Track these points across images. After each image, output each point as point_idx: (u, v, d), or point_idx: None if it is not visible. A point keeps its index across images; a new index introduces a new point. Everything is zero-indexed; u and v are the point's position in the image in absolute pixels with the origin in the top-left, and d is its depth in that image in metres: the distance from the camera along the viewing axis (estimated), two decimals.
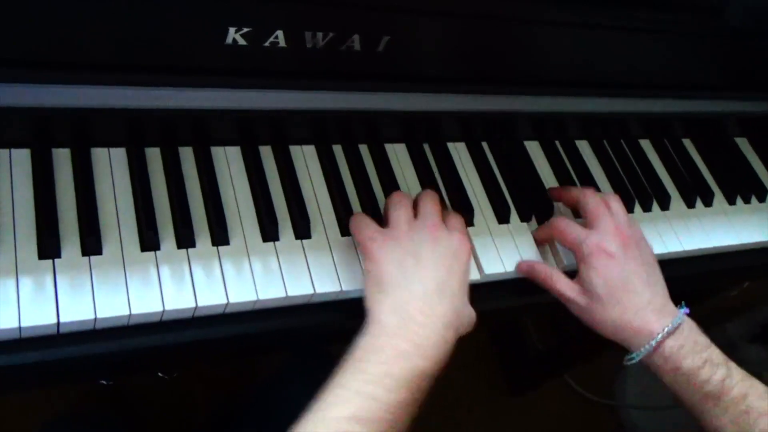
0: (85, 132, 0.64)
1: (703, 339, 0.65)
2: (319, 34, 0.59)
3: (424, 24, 0.62)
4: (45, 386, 0.59)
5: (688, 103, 0.88)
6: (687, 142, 0.96)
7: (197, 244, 0.63)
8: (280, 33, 0.58)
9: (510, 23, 0.66)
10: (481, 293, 0.68)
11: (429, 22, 0.62)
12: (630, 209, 0.84)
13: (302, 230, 0.67)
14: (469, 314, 0.61)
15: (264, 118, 0.68)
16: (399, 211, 0.64)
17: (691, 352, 0.63)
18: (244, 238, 0.65)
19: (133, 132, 0.65)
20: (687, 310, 0.66)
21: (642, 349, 0.65)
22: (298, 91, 0.65)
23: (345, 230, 0.69)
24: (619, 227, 0.68)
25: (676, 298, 0.68)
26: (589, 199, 0.71)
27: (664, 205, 0.86)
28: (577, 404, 1.61)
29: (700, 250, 0.84)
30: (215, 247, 0.63)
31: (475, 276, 0.70)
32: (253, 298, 0.62)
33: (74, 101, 0.58)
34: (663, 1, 0.67)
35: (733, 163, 0.97)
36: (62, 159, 0.64)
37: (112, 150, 0.66)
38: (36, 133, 0.62)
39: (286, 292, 0.63)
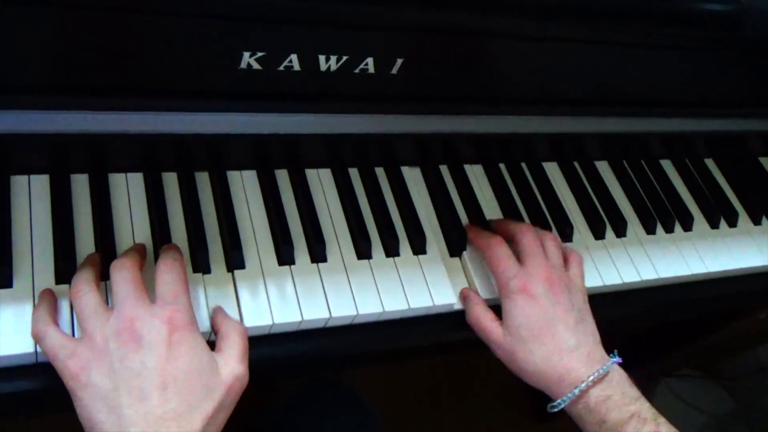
0: (101, 157, 0.64)
1: (632, 391, 0.61)
2: (333, 58, 0.59)
3: (437, 45, 0.62)
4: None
5: (710, 122, 0.86)
6: (709, 162, 0.95)
7: (212, 268, 0.63)
8: (294, 57, 0.58)
9: (526, 42, 0.65)
10: None
11: (443, 43, 0.62)
12: (651, 231, 0.83)
13: (318, 254, 0.67)
14: (218, 403, 0.51)
15: (279, 141, 0.68)
16: (80, 307, 0.52)
17: (618, 404, 0.59)
18: (260, 261, 0.65)
19: (149, 157, 0.66)
20: (619, 360, 0.63)
21: (565, 397, 0.61)
22: (312, 114, 0.65)
23: (361, 254, 0.68)
24: (549, 270, 0.65)
25: (700, 321, 0.66)
26: (525, 236, 0.68)
27: (687, 226, 0.85)
28: None
29: (725, 271, 0.82)
30: (230, 271, 0.63)
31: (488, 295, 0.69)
32: (269, 322, 0.61)
33: (90, 127, 0.58)
34: (681, 17, 0.67)
35: (758, 182, 0.95)
36: (80, 184, 0.64)
37: (130, 175, 0.66)
38: (53, 159, 0.63)
39: (301, 316, 0.62)
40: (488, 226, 0.74)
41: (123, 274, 0.53)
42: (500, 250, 0.67)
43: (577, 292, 0.67)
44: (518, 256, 0.67)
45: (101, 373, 0.48)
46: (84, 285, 0.53)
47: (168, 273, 0.54)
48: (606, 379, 0.61)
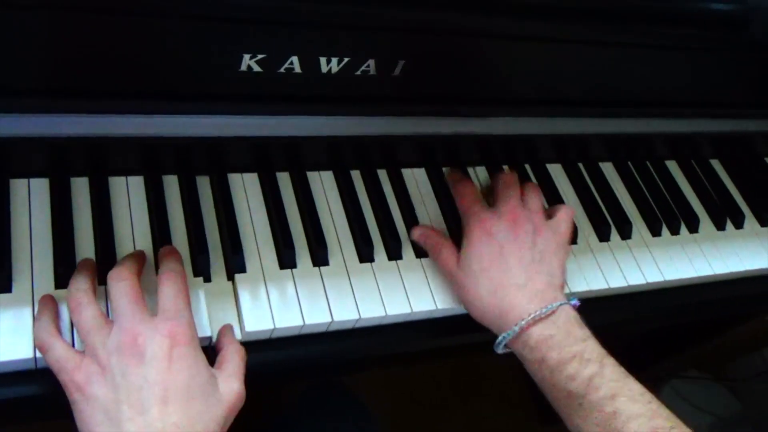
0: (101, 161, 0.64)
1: (581, 332, 0.59)
2: (334, 60, 0.59)
3: (439, 46, 0.62)
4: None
5: (715, 123, 0.86)
6: (715, 163, 0.94)
7: (213, 273, 0.63)
8: (294, 59, 0.58)
9: (529, 43, 0.65)
10: None
11: (445, 45, 0.62)
12: (657, 232, 0.82)
13: (320, 257, 0.66)
14: (218, 417, 0.51)
15: (280, 144, 0.68)
16: (79, 322, 0.52)
17: (560, 344, 0.57)
18: (261, 265, 0.64)
19: (149, 160, 0.65)
20: (576, 303, 0.62)
21: (506, 333, 0.59)
22: (314, 116, 0.65)
23: (363, 257, 0.68)
24: (515, 212, 0.65)
25: (710, 323, 0.65)
26: (501, 182, 0.69)
27: (693, 228, 0.84)
28: None
29: (731, 273, 0.81)
30: (231, 275, 0.63)
31: None
32: (270, 326, 0.61)
33: (90, 130, 0.58)
34: (686, 17, 0.66)
35: (764, 183, 0.94)
36: (80, 188, 0.64)
37: (130, 178, 0.66)
38: (53, 162, 0.62)
39: (303, 320, 0.62)
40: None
41: (121, 286, 0.52)
42: (466, 189, 0.69)
43: (548, 234, 0.66)
44: (493, 202, 0.68)
45: (104, 387, 0.49)
46: (82, 297, 0.53)
47: (170, 286, 0.54)
48: (551, 318, 0.59)
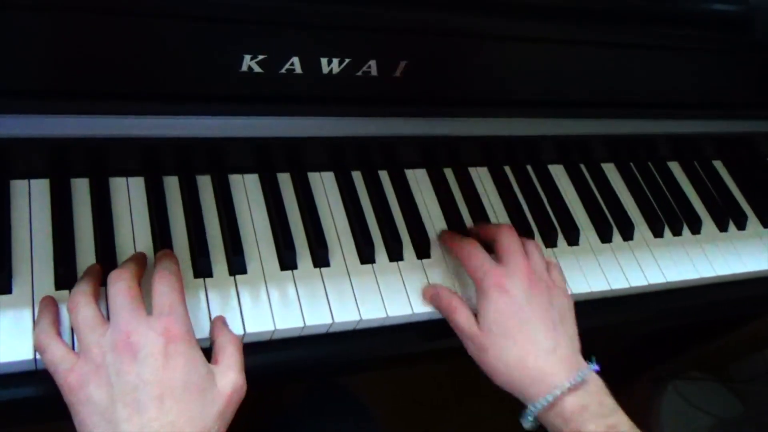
0: (102, 162, 0.64)
1: (610, 401, 0.58)
2: (335, 60, 0.58)
3: (441, 47, 0.61)
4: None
5: (718, 124, 0.85)
6: (717, 164, 0.94)
7: (214, 273, 0.62)
8: (295, 59, 0.57)
9: (531, 44, 0.65)
10: None
11: (446, 45, 0.61)
12: (659, 234, 0.82)
13: (321, 259, 0.66)
14: (217, 413, 0.50)
15: (281, 145, 0.68)
16: (76, 321, 0.51)
17: (595, 415, 0.55)
18: (262, 266, 0.64)
19: (150, 161, 0.65)
20: (596, 368, 0.59)
21: (537, 403, 0.57)
22: (315, 117, 0.64)
23: (364, 258, 0.68)
24: (528, 269, 0.62)
25: (712, 324, 0.65)
26: (505, 235, 0.65)
27: (695, 229, 0.84)
28: None
29: (734, 275, 0.81)
30: (232, 276, 0.63)
31: None
32: (271, 328, 0.61)
33: (91, 131, 0.58)
34: (689, 18, 0.66)
35: (767, 184, 0.94)
36: (81, 188, 0.64)
37: (130, 179, 0.66)
38: (53, 163, 0.62)
39: (304, 321, 0.62)
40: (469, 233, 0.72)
41: (119, 285, 0.52)
42: (472, 248, 0.65)
43: (560, 293, 0.64)
44: (498, 257, 0.64)
45: (98, 388, 0.48)
46: (81, 297, 0.52)
47: (163, 284, 0.53)
48: (584, 387, 0.57)
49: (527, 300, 0.60)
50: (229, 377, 0.52)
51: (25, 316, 0.55)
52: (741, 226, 0.87)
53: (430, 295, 0.66)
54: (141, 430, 0.46)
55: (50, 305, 0.55)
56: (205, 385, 0.50)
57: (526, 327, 0.59)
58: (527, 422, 0.59)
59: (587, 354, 0.61)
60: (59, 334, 0.53)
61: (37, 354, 0.53)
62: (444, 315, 0.64)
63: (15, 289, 0.56)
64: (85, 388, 0.48)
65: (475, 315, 0.62)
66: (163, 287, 0.53)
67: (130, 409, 0.47)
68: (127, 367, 0.48)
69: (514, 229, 0.67)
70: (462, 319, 0.62)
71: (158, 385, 0.48)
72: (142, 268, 0.58)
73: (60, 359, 0.50)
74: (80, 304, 0.52)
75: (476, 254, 0.64)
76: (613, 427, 0.56)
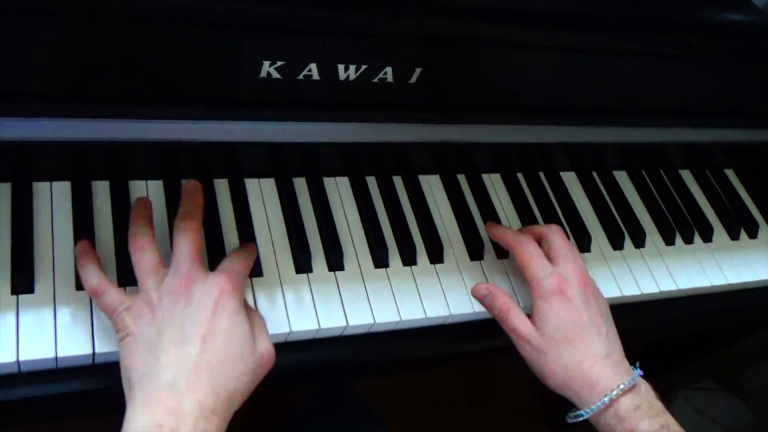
0: (122, 165, 0.65)
1: (658, 403, 0.61)
2: (352, 67, 0.59)
3: (456, 55, 0.62)
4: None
5: (730, 132, 0.86)
6: (729, 172, 0.94)
7: None
8: (313, 66, 0.58)
9: (545, 52, 0.65)
10: None
11: (461, 53, 0.62)
12: (671, 241, 0.82)
13: (335, 262, 0.67)
14: (249, 371, 0.52)
15: (297, 150, 0.69)
16: (141, 263, 0.55)
17: (647, 414, 0.59)
18: (278, 269, 0.65)
19: (168, 165, 0.66)
20: (641, 372, 0.62)
21: (594, 405, 0.59)
22: (331, 123, 0.65)
23: (378, 262, 0.68)
24: (583, 273, 0.64)
25: (722, 333, 0.65)
26: (557, 236, 0.66)
27: (707, 237, 0.84)
28: None
29: (746, 282, 0.81)
30: (248, 279, 0.63)
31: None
32: (286, 330, 0.61)
33: (112, 135, 0.59)
34: (701, 27, 0.66)
35: None
36: (101, 190, 0.65)
37: (150, 182, 0.67)
38: (75, 165, 0.63)
39: (318, 324, 0.62)
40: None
41: (188, 235, 0.56)
42: (532, 248, 0.66)
43: (603, 299, 0.66)
44: (548, 257, 0.66)
45: (150, 324, 0.51)
46: (147, 243, 0.56)
47: (239, 252, 0.60)
48: (635, 389, 0.60)
49: (585, 307, 0.62)
50: (264, 341, 0.55)
51: (47, 315, 0.56)
52: (752, 234, 0.87)
53: (483, 294, 0.66)
54: (179, 360, 0.49)
55: (90, 251, 0.57)
56: (246, 341, 0.53)
57: (585, 334, 0.61)
58: (574, 420, 0.62)
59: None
60: (106, 277, 0.56)
61: (59, 349, 0.54)
62: (495, 315, 0.65)
63: (37, 288, 0.57)
64: (139, 324, 0.52)
65: (527, 315, 0.64)
66: (236, 255, 0.59)
67: (173, 341, 0.50)
68: (180, 308, 0.52)
69: (563, 231, 0.68)
70: (518, 321, 0.63)
71: (203, 326, 0.51)
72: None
73: (119, 301, 0.53)
74: (146, 249, 0.55)
75: (537, 257, 0.65)
76: (665, 426, 0.59)
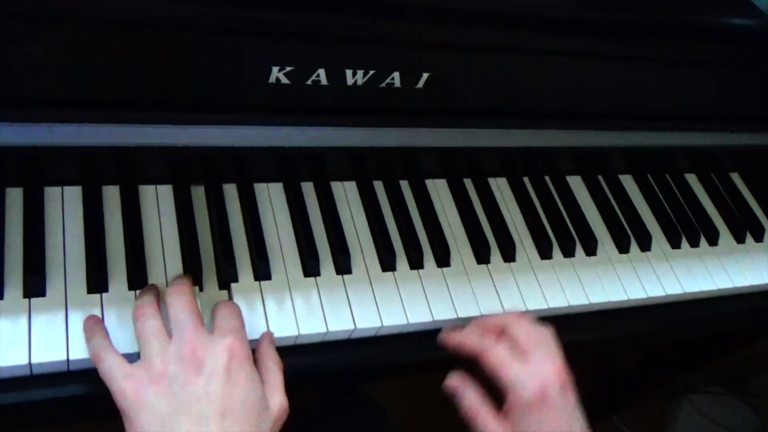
0: (132, 170, 0.66)
1: None
2: (360, 72, 0.60)
3: (462, 60, 0.63)
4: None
5: (735, 136, 0.86)
6: (735, 176, 0.94)
7: (240, 279, 0.64)
8: (321, 71, 0.59)
9: (551, 57, 0.66)
10: None
11: (468, 58, 0.63)
12: (676, 245, 0.82)
13: (343, 266, 0.67)
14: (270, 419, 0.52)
15: (305, 154, 0.69)
16: (143, 328, 0.53)
17: None
18: (286, 273, 0.66)
19: (178, 170, 0.67)
20: None
21: None
22: (339, 127, 0.66)
23: (385, 266, 0.69)
24: (557, 366, 0.59)
25: (729, 337, 0.65)
26: (521, 327, 0.61)
27: (712, 241, 0.84)
28: None
29: (752, 286, 0.82)
30: (257, 282, 0.64)
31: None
32: (294, 333, 0.62)
33: (122, 140, 0.59)
34: (706, 32, 0.67)
35: None
36: (111, 195, 0.66)
37: (159, 187, 0.67)
38: (86, 170, 0.64)
39: (326, 327, 0.63)
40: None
41: (183, 300, 0.54)
42: (500, 350, 0.61)
43: (571, 380, 0.61)
44: (516, 349, 0.61)
45: (159, 395, 0.49)
46: (149, 308, 0.54)
47: (226, 309, 0.56)
48: None
49: (563, 406, 0.59)
50: (276, 398, 0.53)
51: (59, 319, 0.57)
52: (758, 238, 0.87)
53: (453, 387, 0.63)
54: None
55: (99, 322, 0.56)
56: (261, 405, 0.52)
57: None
58: None
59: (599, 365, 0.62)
60: (112, 345, 0.54)
61: (71, 355, 0.54)
62: (462, 413, 0.63)
63: (49, 292, 0.58)
64: (143, 394, 0.49)
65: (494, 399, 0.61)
66: (226, 311, 0.56)
67: (192, 419, 0.48)
68: (193, 379, 0.49)
69: (525, 317, 0.64)
70: (491, 425, 0.60)
71: (221, 400, 0.49)
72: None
73: (118, 366, 0.51)
74: (147, 315, 0.53)
75: (509, 360, 0.60)
76: None
